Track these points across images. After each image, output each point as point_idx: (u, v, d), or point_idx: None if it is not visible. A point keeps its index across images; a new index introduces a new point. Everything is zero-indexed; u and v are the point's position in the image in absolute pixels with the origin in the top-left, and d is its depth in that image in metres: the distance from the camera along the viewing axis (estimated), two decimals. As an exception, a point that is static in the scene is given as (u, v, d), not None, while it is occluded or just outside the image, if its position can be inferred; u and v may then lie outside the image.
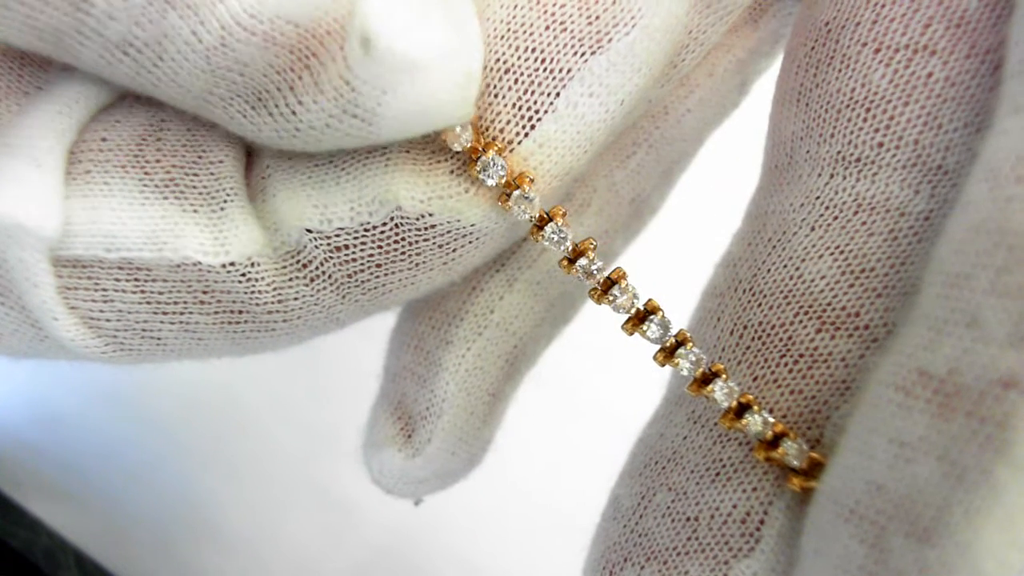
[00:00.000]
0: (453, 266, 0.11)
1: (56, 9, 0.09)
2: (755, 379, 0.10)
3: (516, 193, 0.11)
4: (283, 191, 0.11)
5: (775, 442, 0.10)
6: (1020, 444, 0.08)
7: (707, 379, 0.10)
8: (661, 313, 0.11)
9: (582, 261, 0.11)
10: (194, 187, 0.11)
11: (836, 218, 0.11)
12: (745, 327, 0.11)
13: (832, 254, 0.10)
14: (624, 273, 0.11)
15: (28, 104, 0.11)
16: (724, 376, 0.10)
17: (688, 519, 0.10)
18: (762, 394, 0.10)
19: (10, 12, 0.10)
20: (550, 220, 0.11)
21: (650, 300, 0.11)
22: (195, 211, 0.11)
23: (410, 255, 0.11)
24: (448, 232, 0.11)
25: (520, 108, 0.11)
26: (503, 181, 0.11)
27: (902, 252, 0.10)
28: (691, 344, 0.11)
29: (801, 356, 0.10)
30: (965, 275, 0.08)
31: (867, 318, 0.10)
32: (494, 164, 0.10)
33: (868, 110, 0.11)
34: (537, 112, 0.11)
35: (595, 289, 0.11)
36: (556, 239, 0.11)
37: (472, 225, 0.11)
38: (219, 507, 0.36)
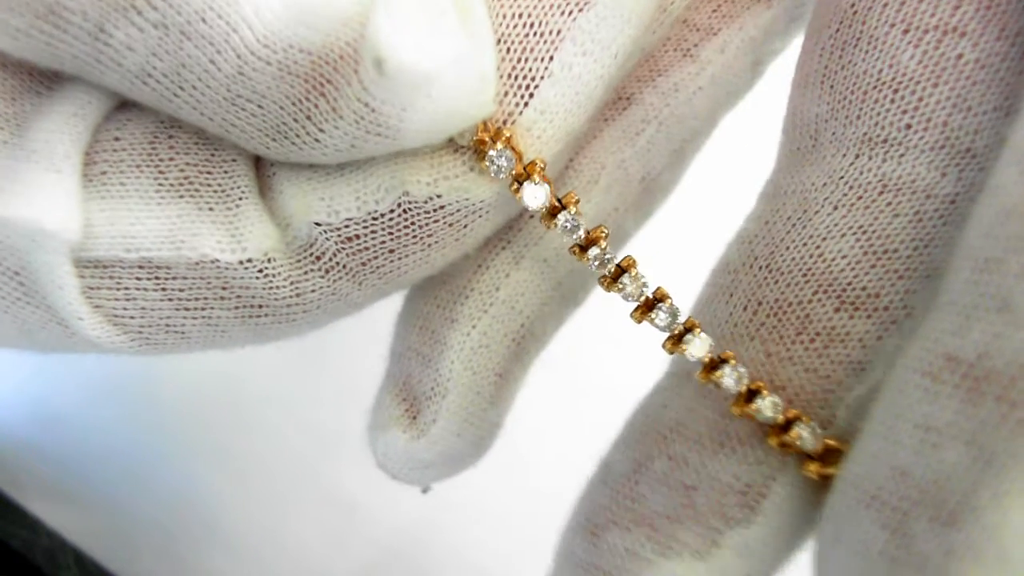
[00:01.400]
0: (465, 241, 0.12)
1: (75, 39, 0.10)
2: (768, 356, 0.11)
3: (528, 184, 0.11)
4: (289, 187, 0.11)
5: (787, 427, 0.10)
6: None
7: (716, 365, 0.10)
8: (670, 301, 0.11)
9: (594, 250, 0.11)
10: (208, 185, 0.11)
11: (860, 198, 0.11)
12: (760, 303, 0.11)
13: (855, 234, 0.10)
14: (634, 261, 0.11)
15: (43, 104, 0.11)
16: (733, 361, 0.10)
17: (686, 487, 0.10)
18: (775, 371, 0.10)
19: (31, 40, 0.10)
20: (563, 208, 0.11)
21: (659, 288, 0.11)
22: (211, 209, 0.11)
23: (422, 237, 0.11)
24: (458, 211, 0.11)
25: (516, 78, 0.11)
26: (513, 173, 0.11)
27: (926, 234, 0.10)
28: (699, 330, 0.11)
29: (818, 335, 0.10)
30: (996, 260, 0.08)
31: (887, 299, 0.10)
32: (501, 156, 0.11)
33: (896, 91, 0.11)
34: (534, 79, 0.11)
35: (605, 277, 0.11)
36: (569, 227, 0.11)
37: (482, 201, 0.11)
38: (221, 507, 0.36)
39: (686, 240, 0.24)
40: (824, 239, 0.11)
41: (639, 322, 0.11)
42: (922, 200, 0.10)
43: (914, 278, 0.10)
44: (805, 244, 0.11)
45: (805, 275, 0.11)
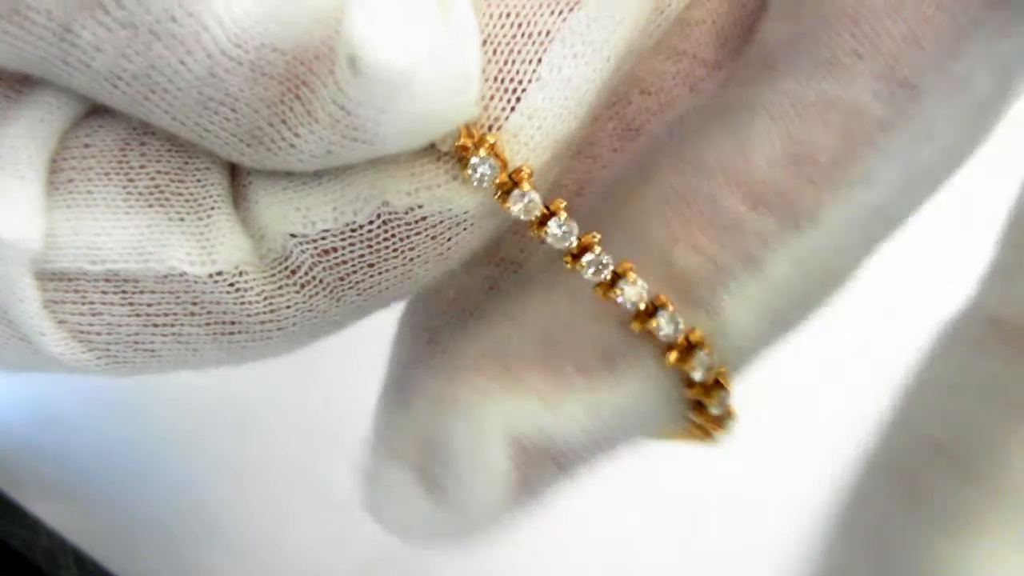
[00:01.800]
0: (449, 255, 0.11)
1: (41, 39, 0.09)
2: (669, 235, 0.11)
3: (515, 192, 0.10)
4: (264, 196, 0.11)
5: (651, 314, 0.10)
6: None
7: (581, 253, 0.10)
8: (671, 308, 0.11)
9: (588, 256, 0.11)
10: (180, 194, 0.11)
11: (795, 108, 0.11)
12: (673, 191, 0.11)
13: (781, 139, 0.11)
14: (630, 267, 0.11)
15: (11, 109, 0.11)
16: (597, 249, 0.10)
17: (551, 335, 0.10)
18: (672, 252, 0.11)
19: None
20: (552, 215, 0.11)
21: (658, 296, 0.11)
22: (181, 219, 0.10)
23: (402, 251, 0.11)
24: (440, 222, 0.11)
25: (502, 81, 0.10)
26: (497, 182, 0.10)
27: (850, 150, 0.10)
28: (563, 215, 0.11)
29: (720, 221, 0.10)
30: None
31: (798, 202, 0.10)
32: (484, 163, 0.10)
33: (856, 22, 0.11)
34: (521, 83, 0.10)
35: (601, 284, 0.11)
36: (560, 235, 0.11)
37: (465, 212, 0.11)
38: (220, 507, 0.36)
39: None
40: (752, 140, 0.11)
41: (538, 236, 0.11)
42: (854, 118, 0.10)
43: (827, 189, 0.10)
44: (731, 144, 0.11)
45: (723, 168, 0.11)
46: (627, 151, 0.13)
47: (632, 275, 0.10)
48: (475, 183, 0.10)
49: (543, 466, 0.10)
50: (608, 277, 0.11)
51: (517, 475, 0.10)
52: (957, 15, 0.10)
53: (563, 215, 0.11)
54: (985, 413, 0.08)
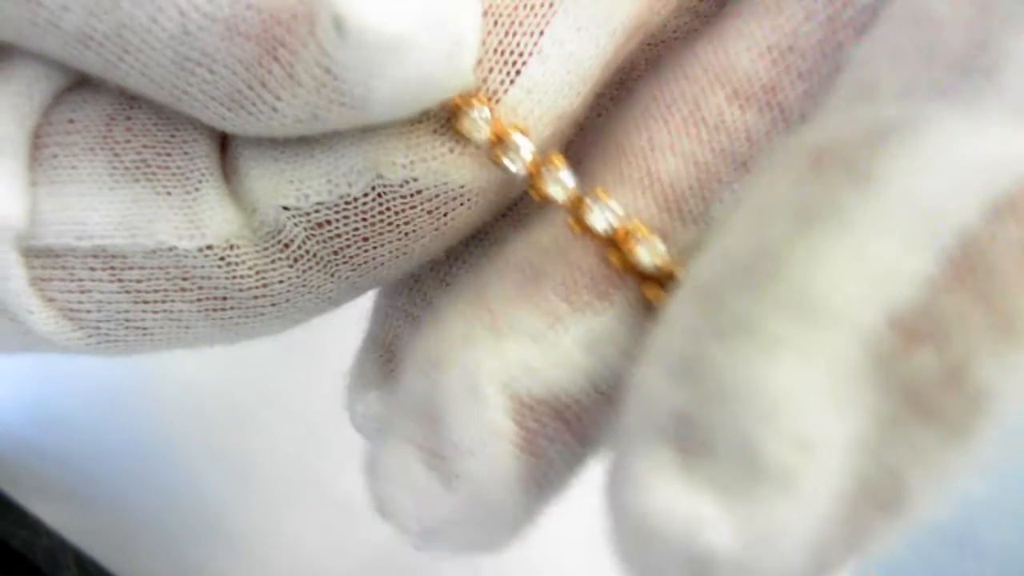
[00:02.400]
0: (446, 231, 0.11)
1: (7, 1, 0.09)
2: (650, 142, 0.10)
3: (507, 142, 0.10)
4: (256, 168, 0.10)
5: (627, 238, 0.09)
6: (883, 177, 0.07)
7: (539, 169, 0.10)
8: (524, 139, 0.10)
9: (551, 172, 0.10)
10: (167, 168, 0.10)
11: (777, 4, 0.10)
12: (655, 99, 0.10)
13: (763, 32, 0.10)
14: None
15: None
16: (557, 162, 0.10)
17: (535, 269, 0.10)
18: (655, 159, 0.10)
19: None
20: (545, 163, 0.10)
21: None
22: (168, 193, 0.10)
23: (398, 225, 0.10)
24: (436, 196, 0.10)
25: (503, 53, 0.10)
26: (490, 137, 0.10)
27: (836, 40, 0.10)
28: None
29: (703, 120, 0.10)
30: (867, 58, 0.08)
31: (782, 96, 0.10)
32: (481, 118, 0.10)
33: None
34: (521, 55, 0.10)
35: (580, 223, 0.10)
36: (560, 187, 0.10)
37: (461, 186, 0.10)
38: (220, 507, 0.36)
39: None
40: (732, 39, 0.10)
41: (495, 162, 0.10)
42: (838, 7, 0.10)
43: (815, 81, 0.10)
44: (713, 46, 0.10)
45: (704, 69, 0.10)
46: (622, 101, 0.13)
47: (605, 196, 0.09)
48: (468, 135, 0.10)
49: (551, 427, 0.09)
50: (571, 197, 0.10)
51: (524, 438, 0.09)
52: None
53: (560, 164, 0.10)
54: (779, 228, 0.07)
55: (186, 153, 0.10)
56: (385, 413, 0.12)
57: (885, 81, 0.08)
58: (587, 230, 0.09)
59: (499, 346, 0.09)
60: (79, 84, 0.11)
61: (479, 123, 0.10)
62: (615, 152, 0.10)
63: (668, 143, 0.10)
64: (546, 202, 0.10)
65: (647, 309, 0.09)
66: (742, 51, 0.10)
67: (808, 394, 0.07)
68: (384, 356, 0.13)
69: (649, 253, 0.09)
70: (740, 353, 0.07)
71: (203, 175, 0.10)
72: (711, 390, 0.07)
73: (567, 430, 0.09)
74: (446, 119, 0.10)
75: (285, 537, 0.36)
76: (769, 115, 0.10)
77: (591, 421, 0.09)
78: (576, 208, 0.09)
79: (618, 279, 0.09)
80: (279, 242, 0.11)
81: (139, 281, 0.10)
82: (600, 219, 0.09)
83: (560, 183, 0.10)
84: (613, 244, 0.09)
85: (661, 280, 0.09)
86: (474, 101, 0.10)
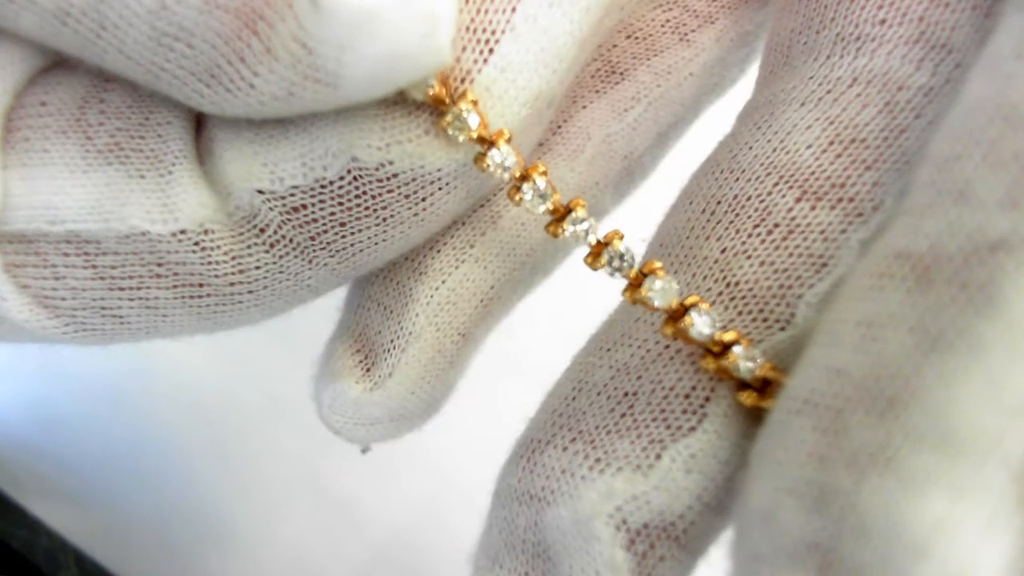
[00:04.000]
0: (425, 217, 0.11)
1: None
2: (724, 252, 0.10)
3: (493, 152, 0.10)
4: (230, 151, 0.10)
5: (725, 348, 0.09)
6: (1006, 301, 0.07)
7: (640, 280, 0.09)
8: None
9: (654, 282, 0.10)
10: (140, 151, 0.10)
11: (829, 92, 0.10)
12: (719, 202, 0.10)
13: (821, 124, 0.10)
14: (620, 234, 0.10)
15: None
16: (660, 273, 0.09)
17: (626, 394, 0.09)
18: (730, 267, 0.10)
19: None
20: (527, 178, 0.10)
21: (649, 262, 0.10)
22: (141, 176, 0.10)
23: (375, 209, 0.10)
24: (413, 180, 0.10)
25: (475, 31, 0.10)
26: (476, 137, 0.10)
27: (897, 125, 0.10)
28: (619, 240, 0.10)
29: (776, 226, 0.10)
30: (956, 156, 0.08)
31: (852, 190, 0.09)
32: (467, 118, 0.10)
33: None
34: (494, 33, 0.10)
35: (589, 255, 0.10)
36: (539, 194, 0.10)
37: (438, 170, 0.10)
38: (220, 507, 0.36)
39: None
40: (789, 133, 0.10)
41: (594, 268, 0.10)
42: (894, 92, 0.10)
43: (883, 169, 0.09)
44: (769, 140, 0.10)
45: (767, 168, 0.10)
46: (607, 93, 0.12)
47: (705, 305, 0.09)
48: (452, 134, 0.10)
49: (662, 547, 0.09)
50: (593, 243, 0.10)
51: (638, 563, 0.09)
52: None
53: (542, 178, 0.10)
54: (895, 345, 0.07)
55: (160, 136, 0.10)
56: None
57: (980, 185, 0.07)
58: (686, 338, 0.09)
59: (605, 481, 0.09)
60: (53, 66, 0.11)
61: (462, 123, 0.10)
62: (683, 259, 0.10)
63: (742, 249, 0.10)
64: (639, 305, 0.10)
65: (742, 415, 0.09)
66: (803, 147, 0.10)
67: (961, 528, 0.07)
68: (355, 346, 0.12)
69: (747, 360, 0.09)
70: (883, 488, 0.07)
71: (177, 158, 0.10)
72: (853, 525, 0.07)
73: (676, 546, 0.09)
74: (424, 99, 0.10)
75: (285, 537, 0.35)
76: (842, 211, 0.09)
77: (698, 533, 0.09)
78: (678, 317, 0.09)
79: (710, 390, 0.09)
80: (254, 227, 0.10)
81: (113, 267, 0.10)
82: (702, 327, 0.09)
83: (661, 291, 0.09)
84: (709, 352, 0.09)
85: (755, 385, 0.09)
86: (461, 103, 0.10)
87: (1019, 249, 0.07)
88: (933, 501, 0.07)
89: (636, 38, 0.13)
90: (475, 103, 0.10)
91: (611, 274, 0.10)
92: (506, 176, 0.10)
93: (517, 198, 0.10)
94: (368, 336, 0.12)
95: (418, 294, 0.12)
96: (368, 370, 0.12)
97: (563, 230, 0.10)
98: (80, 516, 0.36)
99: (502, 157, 0.10)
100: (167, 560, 0.36)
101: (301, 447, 0.35)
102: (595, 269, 0.10)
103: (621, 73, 0.13)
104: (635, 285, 0.09)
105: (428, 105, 0.10)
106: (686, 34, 0.13)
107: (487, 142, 0.10)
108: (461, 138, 0.10)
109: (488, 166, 0.10)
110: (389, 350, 0.12)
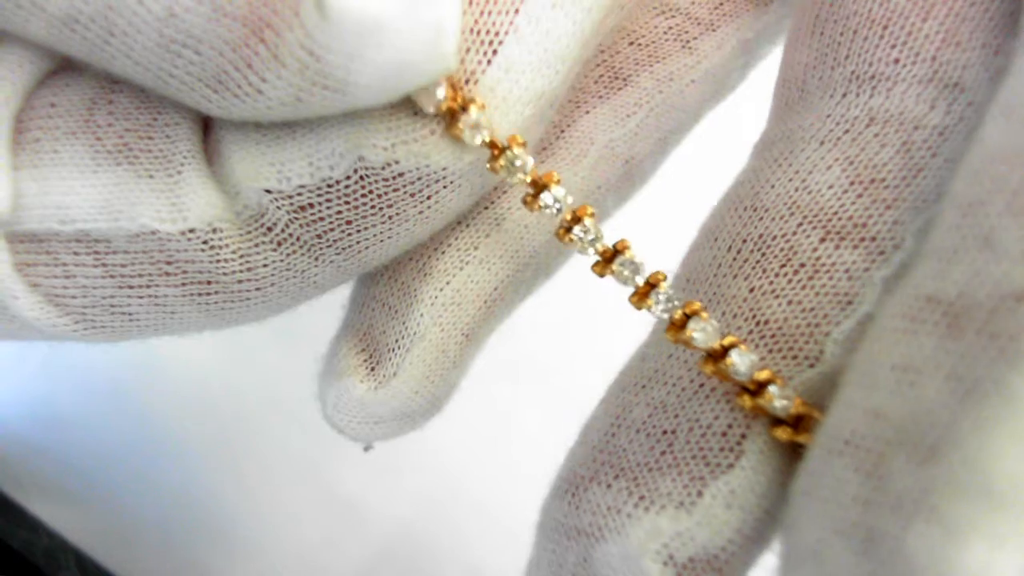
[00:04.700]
0: (431, 215, 0.11)
1: None
2: (752, 291, 0.10)
3: (508, 154, 0.10)
4: (238, 151, 0.10)
5: (759, 388, 0.09)
6: None
7: (684, 322, 0.10)
8: (630, 252, 0.10)
9: (577, 229, 0.11)
10: (148, 151, 0.10)
11: (847, 132, 0.10)
12: (744, 241, 0.10)
13: (841, 165, 0.10)
14: (628, 244, 0.11)
15: None
16: (704, 315, 0.10)
17: (665, 432, 0.10)
18: (759, 306, 0.10)
19: None
20: (545, 188, 0.10)
21: (621, 240, 0.11)
22: (150, 176, 0.10)
23: (381, 207, 0.10)
24: (419, 179, 0.10)
25: (479, 32, 0.10)
26: (487, 142, 0.10)
27: (915, 164, 0.10)
28: (664, 285, 0.10)
29: (802, 266, 0.10)
30: (979, 202, 0.08)
31: (874, 229, 0.10)
32: (478, 127, 0.10)
33: (886, 27, 0.10)
34: (498, 34, 0.10)
35: (599, 263, 0.11)
36: (553, 208, 0.10)
37: (443, 168, 0.10)
38: (221, 507, 0.36)
39: (661, 230, 0.23)
40: (810, 172, 0.10)
41: (601, 275, 0.10)
42: (910, 131, 0.10)
43: (903, 208, 0.10)
44: (791, 179, 0.10)
45: (790, 208, 0.10)
46: (610, 99, 0.13)
47: (742, 346, 0.10)
48: (466, 140, 0.10)
49: None
50: (603, 251, 0.10)
51: None
52: (989, 8, 0.10)
53: (558, 187, 0.10)
54: (932, 391, 0.08)
55: (168, 136, 0.10)
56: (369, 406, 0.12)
57: (1004, 234, 0.08)
58: (725, 377, 0.10)
59: (651, 519, 0.09)
60: (61, 68, 0.11)
61: (475, 132, 0.10)
62: (713, 297, 0.10)
63: (770, 289, 0.10)
64: (681, 344, 0.10)
65: (776, 450, 0.10)
66: (824, 187, 0.10)
67: (1002, 573, 0.07)
68: (360, 346, 0.13)
69: (782, 399, 0.09)
70: (929, 535, 0.07)
71: (185, 158, 0.10)
72: (900, 569, 0.07)
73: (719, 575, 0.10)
74: (437, 109, 0.10)
75: (286, 537, 0.35)
76: (864, 249, 0.10)
77: (739, 563, 0.10)
78: (718, 358, 0.10)
79: (745, 427, 0.10)
80: (262, 225, 0.10)
81: (123, 266, 0.10)
82: (740, 367, 0.09)
83: (703, 332, 0.10)
84: (746, 390, 0.09)
85: (789, 421, 0.09)
86: (472, 109, 0.10)
87: None
88: (976, 548, 0.07)
89: (639, 45, 0.13)
90: (483, 107, 0.10)
91: (622, 283, 0.10)
92: (524, 178, 0.10)
93: (535, 206, 0.11)
94: (373, 336, 0.12)
95: (423, 295, 0.12)
96: (372, 369, 0.12)
97: (572, 237, 0.11)
98: (80, 516, 0.36)
99: (520, 160, 0.10)
100: (168, 560, 0.36)
101: (303, 447, 0.36)
102: (602, 276, 0.11)
103: (624, 79, 0.13)
104: (678, 326, 0.10)
105: (443, 115, 0.10)
106: (688, 41, 0.13)
107: (499, 147, 0.10)
108: (477, 141, 0.10)
109: (502, 167, 0.10)
110: (394, 350, 0.12)
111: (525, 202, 0.11)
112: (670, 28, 0.13)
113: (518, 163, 0.10)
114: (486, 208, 0.12)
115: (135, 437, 0.37)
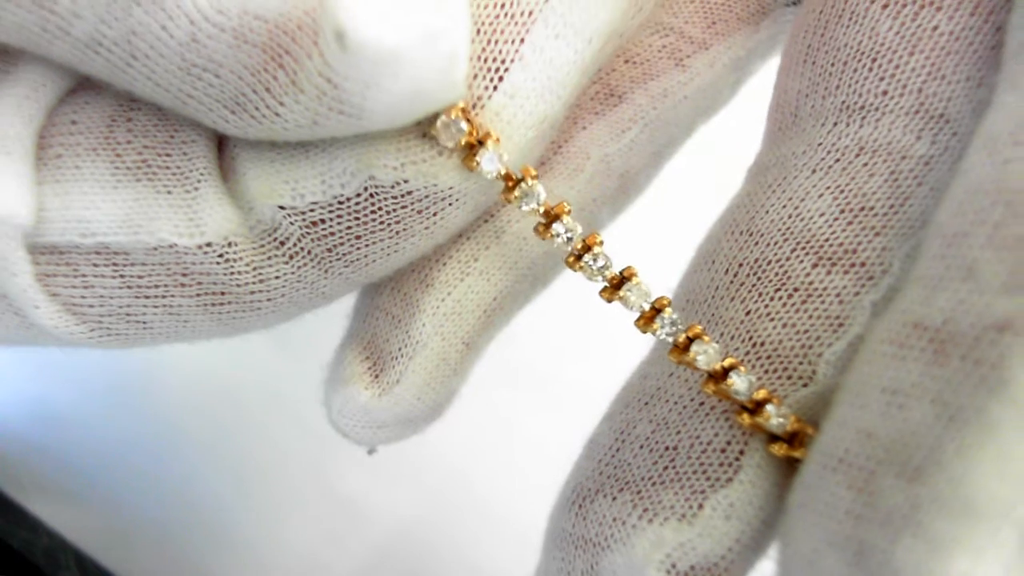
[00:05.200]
0: (436, 230, 0.11)
1: (19, 7, 0.09)
2: (748, 314, 0.11)
3: (522, 187, 0.11)
4: (252, 168, 0.11)
5: (758, 407, 0.10)
6: (1014, 382, 0.08)
7: (688, 345, 0.10)
8: (637, 279, 0.11)
9: (587, 257, 0.11)
10: (167, 167, 0.11)
11: (837, 160, 0.11)
12: (740, 265, 0.11)
13: (832, 193, 0.11)
14: (635, 271, 0.11)
15: None
16: (706, 339, 0.10)
17: (667, 448, 0.10)
18: (755, 328, 0.11)
19: None
20: (557, 218, 0.11)
21: (628, 267, 0.11)
22: (168, 192, 0.11)
23: (389, 224, 0.11)
24: (426, 197, 0.11)
25: (485, 60, 0.10)
26: (503, 173, 0.10)
27: (902, 193, 0.10)
28: (668, 310, 0.11)
29: (796, 290, 0.10)
30: (963, 233, 0.09)
31: (864, 255, 0.10)
32: (493, 159, 0.10)
33: (874, 60, 0.11)
34: (503, 63, 0.10)
35: (607, 288, 0.11)
36: (564, 238, 0.11)
37: (450, 188, 0.11)
38: (221, 507, 0.36)
39: (657, 241, 0.24)
40: (802, 199, 0.11)
41: (609, 300, 0.11)
42: (897, 161, 0.11)
43: (890, 235, 0.10)
44: (784, 206, 0.11)
45: (784, 234, 0.11)
46: (605, 115, 0.13)
47: (742, 368, 0.10)
48: (485, 174, 0.10)
49: None
50: (611, 277, 0.11)
51: None
52: (973, 43, 0.10)
53: (567, 219, 0.11)
54: (919, 414, 0.08)
55: (185, 153, 0.11)
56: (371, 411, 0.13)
57: (986, 267, 0.08)
58: (725, 396, 0.10)
59: (655, 530, 0.10)
60: (81, 86, 0.11)
61: (490, 166, 0.10)
62: (711, 319, 0.11)
63: (765, 312, 0.11)
64: (684, 365, 0.11)
65: (772, 465, 0.10)
66: (816, 214, 0.11)
67: None
68: (364, 354, 0.13)
69: (779, 417, 0.10)
70: (915, 549, 0.08)
71: (202, 175, 0.11)
72: None
73: None
74: (455, 146, 0.10)
75: (286, 537, 0.36)
76: (855, 275, 0.10)
77: (738, 570, 0.10)
78: (719, 378, 0.10)
79: (743, 443, 0.10)
80: (275, 239, 0.11)
81: (140, 277, 0.11)
82: (740, 387, 0.10)
83: (706, 354, 0.10)
84: (744, 409, 0.10)
85: (784, 437, 0.10)
86: (488, 143, 0.10)
87: (1023, 331, 0.08)
88: (959, 561, 0.08)
89: (634, 62, 0.13)
90: (498, 141, 0.10)
91: (629, 308, 0.11)
92: (537, 208, 0.11)
93: (547, 235, 0.11)
94: (377, 344, 0.13)
95: (425, 305, 0.13)
96: (376, 377, 0.13)
97: (582, 265, 0.11)
98: (80, 516, 0.36)
99: (534, 192, 0.11)
100: (168, 560, 0.36)
101: (303, 447, 0.36)
102: (610, 301, 0.11)
103: (619, 96, 0.13)
104: (682, 349, 0.10)
105: (459, 148, 0.10)
106: (681, 59, 0.14)
107: (513, 179, 0.11)
108: (493, 174, 0.10)
109: (516, 199, 0.11)
110: (397, 358, 0.13)
111: (537, 231, 0.11)
112: (664, 47, 0.14)
113: (532, 194, 0.11)
114: (486, 221, 0.13)
115: (135, 436, 0.37)
